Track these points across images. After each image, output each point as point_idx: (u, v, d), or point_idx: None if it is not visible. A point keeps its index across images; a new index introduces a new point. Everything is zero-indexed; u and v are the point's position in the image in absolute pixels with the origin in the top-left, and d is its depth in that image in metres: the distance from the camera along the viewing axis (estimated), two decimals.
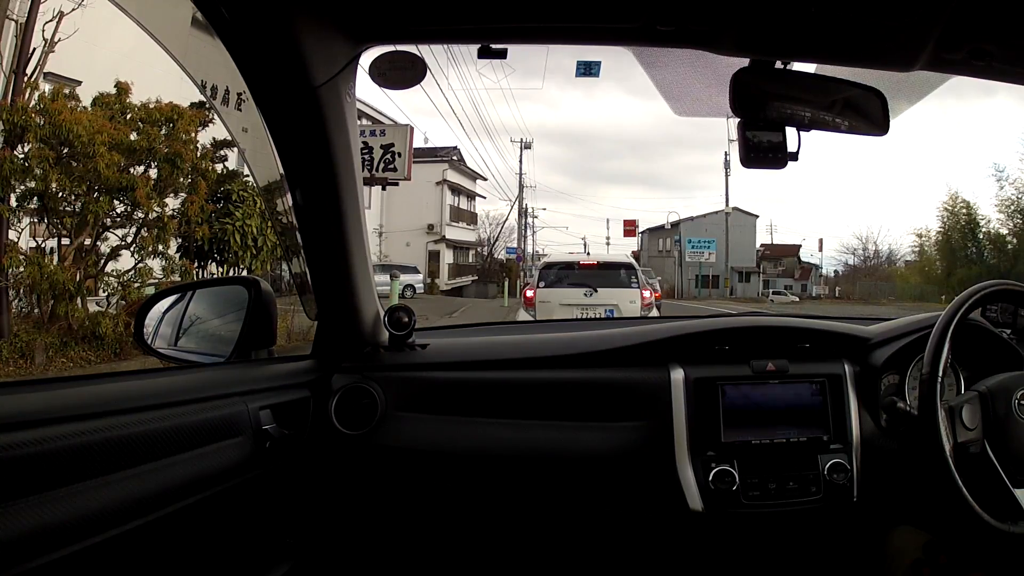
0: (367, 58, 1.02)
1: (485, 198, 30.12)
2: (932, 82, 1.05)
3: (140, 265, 7.16)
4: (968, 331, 1.20)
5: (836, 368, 1.27)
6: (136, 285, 7.02)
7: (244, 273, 8.30)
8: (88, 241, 6.95)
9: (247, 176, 8.13)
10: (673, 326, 1.35)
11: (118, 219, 7.13)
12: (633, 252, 25.74)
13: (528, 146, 27.95)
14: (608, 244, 33.06)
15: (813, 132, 1.01)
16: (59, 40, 6.78)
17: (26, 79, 6.51)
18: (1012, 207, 19.53)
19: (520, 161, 27.56)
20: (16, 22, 6.65)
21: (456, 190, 26.53)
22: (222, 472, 0.95)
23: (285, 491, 1.14)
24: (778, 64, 0.97)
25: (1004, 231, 20.21)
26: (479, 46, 1.00)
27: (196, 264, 8.02)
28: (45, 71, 6.90)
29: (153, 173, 7.19)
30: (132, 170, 7.00)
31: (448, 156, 25.16)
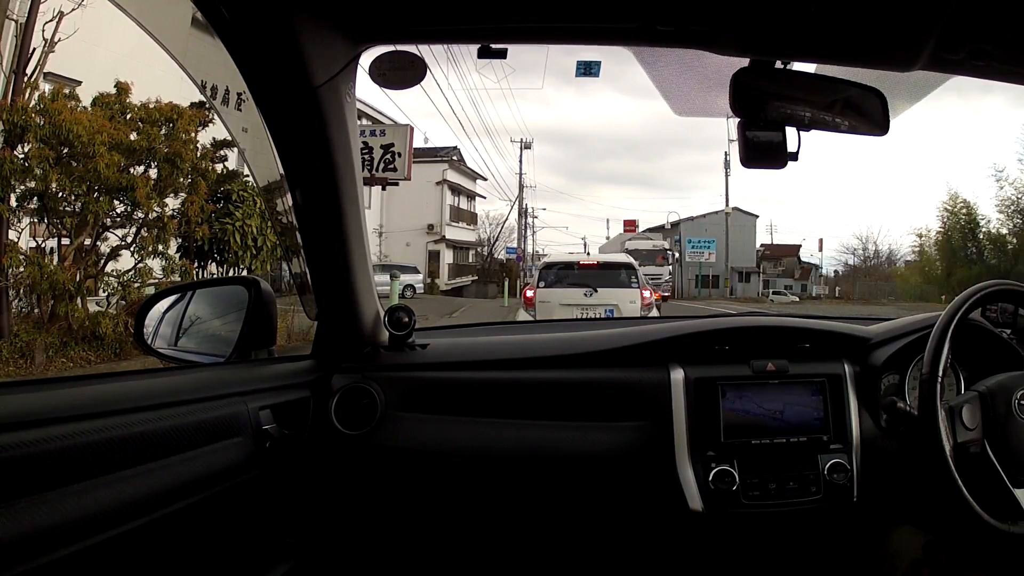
0: (367, 58, 1.02)
1: (485, 198, 30.15)
2: (932, 82, 1.05)
3: (140, 265, 7.16)
4: (968, 331, 1.20)
5: (836, 368, 1.27)
6: (136, 285, 7.01)
7: (244, 273, 8.30)
8: (88, 241, 6.95)
9: (247, 176, 8.13)
10: (673, 326, 1.35)
11: (118, 219, 7.13)
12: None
13: (528, 146, 28.01)
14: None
15: (813, 132, 1.01)
16: (59, 40, 6.77)
17: (26, 79, 6.51)
18: (1012, 207, 19.55)
19: (520, 161, 27.59)
20: (16, 22, 6.65)
21: (456, 190, 26.51)
22: (222, 472, 0.95)
23: (285, 491, 1.14)
24: (778, 64, 0.97)
25: (1004, 231, 20.22)
26: (479, 46, 1.00)
27: (196, 264, 8.02)
28: (45, 71, 6.90)
29: (153, 173, 7.19)
30: (132, 170, 7.00)
31: (448, 156, 25.15)
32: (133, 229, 7.27)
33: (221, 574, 1.02)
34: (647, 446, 1.22)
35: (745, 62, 0.96)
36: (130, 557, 0.81)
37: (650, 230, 35.38)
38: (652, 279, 23.77)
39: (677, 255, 28.45)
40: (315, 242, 1.15)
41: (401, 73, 1.03)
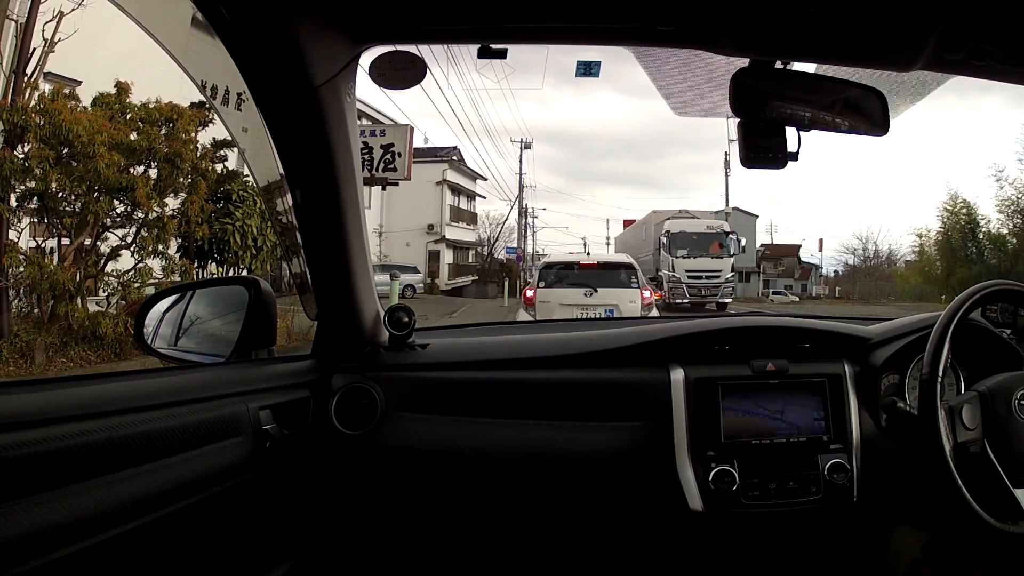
0: (367, 58, 1.02)
1: (485, 198, 30.03)
2: (932, 82, 1.05)
3: (140, 265, 7.17)
4: (968, 331, 1.20)
5: (836, 368, 1.27)
6: (136, 285, 7.02)
7: (244, 273, 8.31)
8: (88, 241, 6.96)
9: (247, 176, 8.13)
10: (673, 326, 1.35)
11: (118, 219, 7.14)
12: None
13: (528, 146, 27.87)
14: (608, 244, 32.95)
15: (813, 132, 1.01)
16: (59, 40, 6.78)
17: (26, 79, 6.52)
18: (1012, 207, 19.53)
19: (520, 161, 27.52)
20: (16, 22, 6.66)
21: (456, 190, 26.50)
22: (222, 472, 0.95)
23: (285, 491, 1.14)
24: (778, 64, 0.97)
25: (1004, 231, 20.20)
26: (479, 46, 1.00)
27: (196, 264, 8.03)
28: (45, 71, 6.91)
29: (153, 173, 7.20)
30: (132, 170, 7.01)
31: (448, 156, 25.14)
32: (133, 229, 7.28)
33: (221, 574, 1.02)
34: (647, 446, 1.22)
35: (745, 62, 0.96)
36: (130, 557, 0.81)
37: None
38: (707, 277, 16.89)
39: (743, 242, 19.53)
40: (315, 242, 1.15)
41: (401, 73, 1.03)
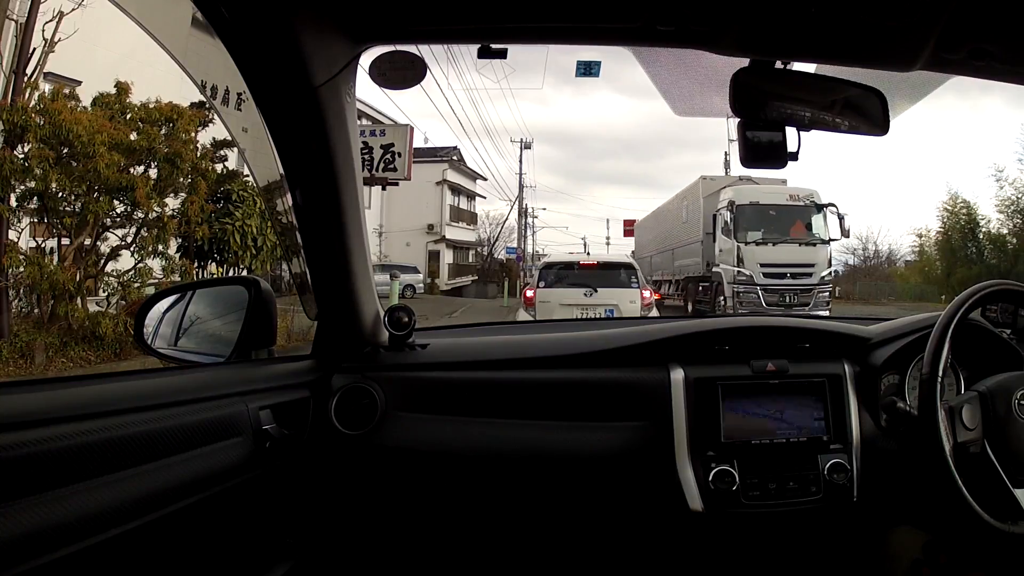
0: (367, 58, 1.02)
1: (485, 198, 30.00)
2: (932, 82, 1.05)
3: (140, 265, 7.18)
4: (968, 331, 1.20)
5: (836, 368, 1.27)
6: (136, 285, 7.04)
7: (244, 273, 8.32)
8: (88, 241, 6.97)
9: (247, 176, 8.15)
10: (673, 326, 1.35)
11: (118, 219, 7.15)
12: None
13: (528, 146, 27.82)
14: (608, 244, 32.89)
15: (813, 132, 1.01)
16: (59, 40, 6.79)
17: (26, 79, 6.52)
18: (1012, 207, 19.51)
19: (520, 161, 27.48)
20: (16, 22, 6.66)
21: (456, 190, 26.50)
22: (222, 472, 0.95)
23: (285, 491, 1.15)
24: (778, 64, 0.97)
25: (1004, 231, 20.18)
26: (479, 46, 1.00)
27: (196, 264, 8.04)
28: (45, 71, 6.92)
29: (153, 173, 7.21)
30: (132, 170, 7.02)
31: (448, 156, 25.14)
32: (133, 229, 7.29)
33: (221, 574, 1.02)
34: (647, 446, 1.23)
35: (745, 62, 0.96)
36: (130, 557, 0.81)
37: None
38: (793, 275, 10.87)
39: (848, 224, 11.55)
40: (315, 242, 1.15)
41: (401, 73, 1.03)
